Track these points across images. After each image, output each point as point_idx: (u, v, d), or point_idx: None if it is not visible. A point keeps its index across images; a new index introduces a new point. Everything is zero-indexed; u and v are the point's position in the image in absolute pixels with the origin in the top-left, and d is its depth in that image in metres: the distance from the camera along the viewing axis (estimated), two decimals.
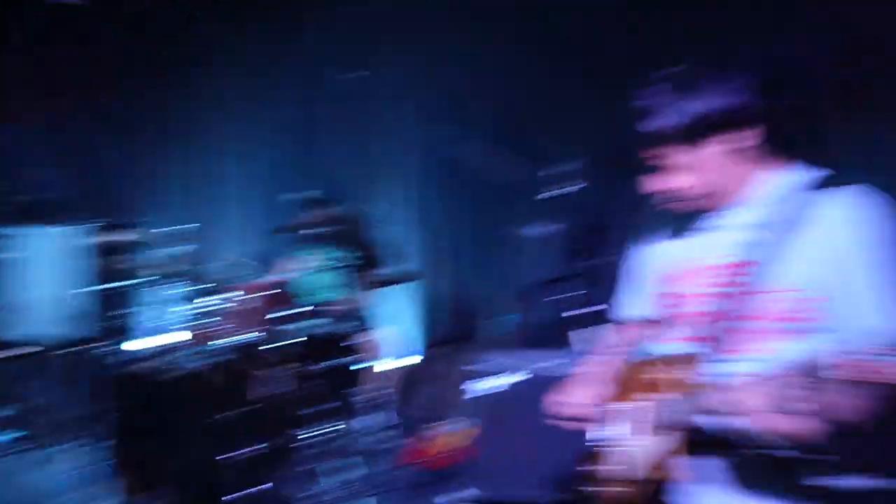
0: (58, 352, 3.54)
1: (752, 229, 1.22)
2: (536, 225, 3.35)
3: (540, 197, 3.05)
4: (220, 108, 4.95)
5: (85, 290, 3.55)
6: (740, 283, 1.21)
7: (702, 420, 1.15)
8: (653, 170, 1.27)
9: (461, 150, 2.91)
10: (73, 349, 3.55)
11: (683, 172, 1.23)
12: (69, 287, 3.58)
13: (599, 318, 2.84)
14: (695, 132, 1.20)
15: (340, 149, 4.60)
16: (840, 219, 1.15)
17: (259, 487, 2.82)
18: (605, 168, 3.91)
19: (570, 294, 3.15)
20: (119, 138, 5.06)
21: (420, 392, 3.96)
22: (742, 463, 1.19)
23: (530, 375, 2.59)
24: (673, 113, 1.20)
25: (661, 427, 1.21)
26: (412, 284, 4.36)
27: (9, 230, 3.71)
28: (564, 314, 3.16)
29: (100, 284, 3.44)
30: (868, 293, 1.12)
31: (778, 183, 1.24)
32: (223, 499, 2.81)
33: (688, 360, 1.20)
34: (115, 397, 2.90)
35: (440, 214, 4.40)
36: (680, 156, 1.22)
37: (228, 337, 2.93)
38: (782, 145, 1.27)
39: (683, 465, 1.19)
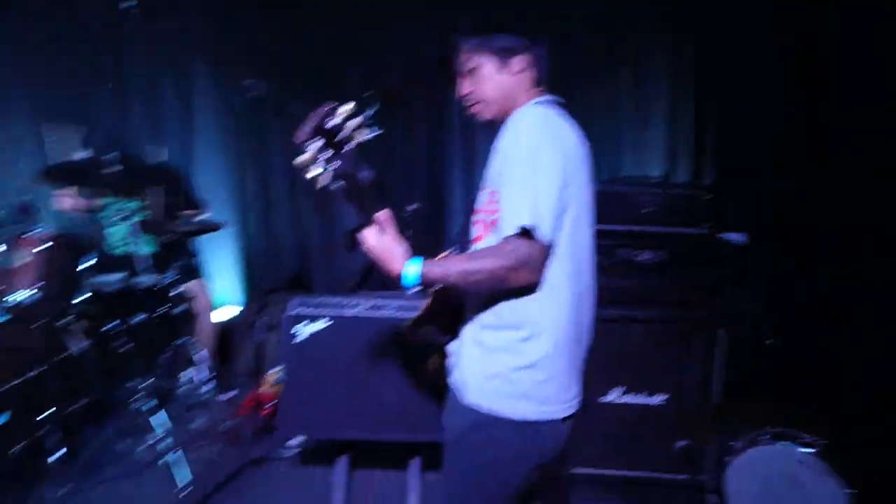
0: None
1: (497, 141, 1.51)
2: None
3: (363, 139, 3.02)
4: None
5: None
6: (480, 186, 1.55)
7: None
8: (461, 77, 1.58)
9: (263, 93, 2.80)
10: None
11: (472, 81, 1.56)
12: None
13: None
14: (482, 48, 1.54)
15: (134, 97, 4.18)
16: (509, 128, 1.45)
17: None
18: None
19: None
20: None
21: (245, 342, 3.88)
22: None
23: (343, 318, 2.64)
24: (476, 33, 1.55)
25: None
26: (226, 233, 4.19)
27: None
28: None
29: None
30: (504, 188, 1.40)
31: (525, 107, 1.52)
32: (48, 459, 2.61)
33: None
34: None
35: (253, 162, 4.22)
36: (470, 64, 1.55)
37: (17, 294, 2.63)
38: (540, 78, 1.59)
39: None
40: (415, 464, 2.72)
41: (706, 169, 3.89)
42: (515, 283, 1.36)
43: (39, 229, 2.74)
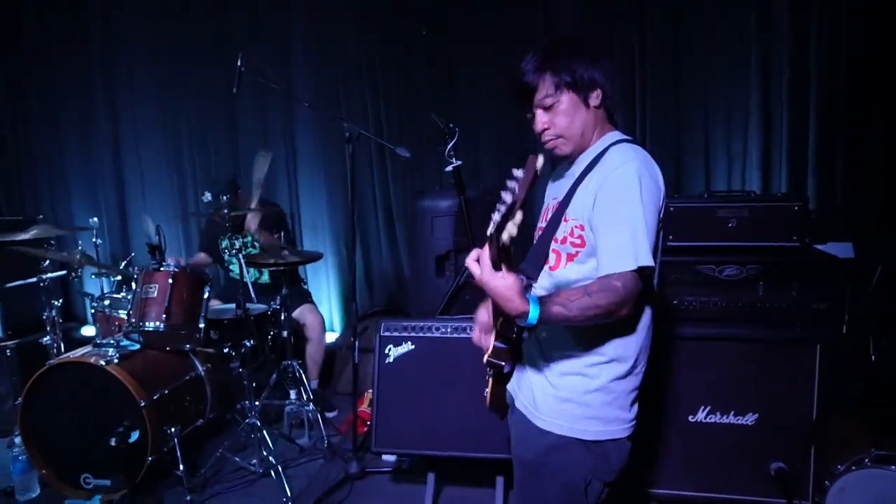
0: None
1: (573, 175, 1.57)
2: (441, 196, 3.52)
3: (446, 169, 3.21)
4: (115, 104, 4.90)
5: (7, 285, 3.60)
6: (555, 215, 1.56)
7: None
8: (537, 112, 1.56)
9: (362, 127, 3.03)
10: (9, 343, 3.62)
11: (550, 115, 1.53)
12: None
13: None
14: (560, 83, 1.50)
15: (246, 137, 4.65)
16: (605, 165, 1.49)
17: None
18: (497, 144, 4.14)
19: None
20: (22, 140, 5.03)
21: (345, 364, 4.13)
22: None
23: (430, 339, 2.78)
24: (554, 64, 1.50)
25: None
26: (329, 263, 4.53)
27: None
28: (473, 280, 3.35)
29: (15, 281, 3.47)
30: (608, 226, 1.44)
31: (603, 141, 1.57)
32: (176, 472, 2.95)
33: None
34: (41, 388, 2.96)
35: (348, 192, 4.51)
36: (547, 101, 1.52)
37: (145, 323, 3.01)
38: (611, 113, 1.60)
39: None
40: (500, 482, 2.78)
41: (805, 182, 3.69)
42: (617, 318, 1.42)
43: (167, 265, 3.12)
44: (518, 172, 1.19)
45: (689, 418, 2.54)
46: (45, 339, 3.33)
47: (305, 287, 4.18)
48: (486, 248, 1.28)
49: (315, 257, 3.60)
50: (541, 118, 1.55)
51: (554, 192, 1.67)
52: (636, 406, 1.59)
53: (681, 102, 3.93)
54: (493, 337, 1.55)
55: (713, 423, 2.52)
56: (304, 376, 3.60)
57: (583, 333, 1.51)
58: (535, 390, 1.59)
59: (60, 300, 3.42)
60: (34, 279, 3.32)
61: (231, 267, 3.99)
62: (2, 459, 3.28)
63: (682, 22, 3.86)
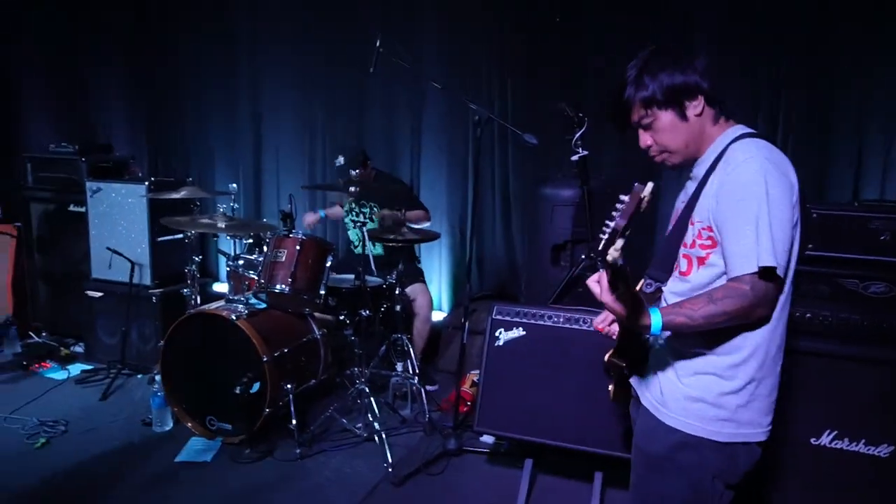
0: (142, 293, 4.04)
1: (697, 177, 1.53)
2: (563, 185, 3.48)
3: (572, 158, 3.17)
4: (256, 83, 5.23)
5: (157, 239, 4.01)
6: (681, 219, 1.53)
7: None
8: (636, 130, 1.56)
9: (489, 114, 3.05)
10: (154, 290, 4.04)
11: (651, 133, 1.53)
12: (143, 236, 4.06)
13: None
14: (651, 103, 1.49)
15: (374, 114, 4.81)
16: (729, 164, 1.43)
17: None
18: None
19: (594, 254, 3.27)
20: (177, 109, 5.53)
21: (451, 343, 4.22)
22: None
23: (541, 326, 2.78)
24: (641, 85, 1.49)
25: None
26: (443, 243, 4.62)
27: (94, 185, 4.19)
28: (589, 273, 3.30)
29: (166, 236, 3.84)
30: (736, 227, 1.38)
31: (722, 139, 1.51)
32: (279, 425, 3.19)
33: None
34: (179, 335, 3.27)
35: (469, 175, 4.55)
36: (645, 122, 1.51)
37: (273, 285, 3.23)
38: (721, 111, 1.54)
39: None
40: (598, 477, 2.73)
41: None
42: (752, 320, 1.40)
43: (296, 232, 3.33)
44: (624, 198, 1.20)
45: (812, 441, 2.37)
46: (185, 290, 3.67)
47: (419, 266, 4.30)
48: (604, 270, 1.29)
49: (432, 237, 3.69)
50: (643, 137, 1.55)
51: (682, 196, 1.63)
52: (773, 411, 1.53)
53: (829, 103, 3.62)
54: (615, 335, 1.55)
55: (839, 450, 2.33)
56: (412, 349, 3.71)
57: (713, 333, 1.46)
58: (663, 387, 1.57)
59: (200, 257, 3.75)
60: (180, 235, 3.66)
61: (350, 235, 4.19)
62: (143, 393, 3.67)
63: (831, 10, 3.54)
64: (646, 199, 1.19)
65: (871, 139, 3.57)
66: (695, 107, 1.48)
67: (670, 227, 1.59)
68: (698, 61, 1.49)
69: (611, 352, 1.62)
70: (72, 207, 4.50)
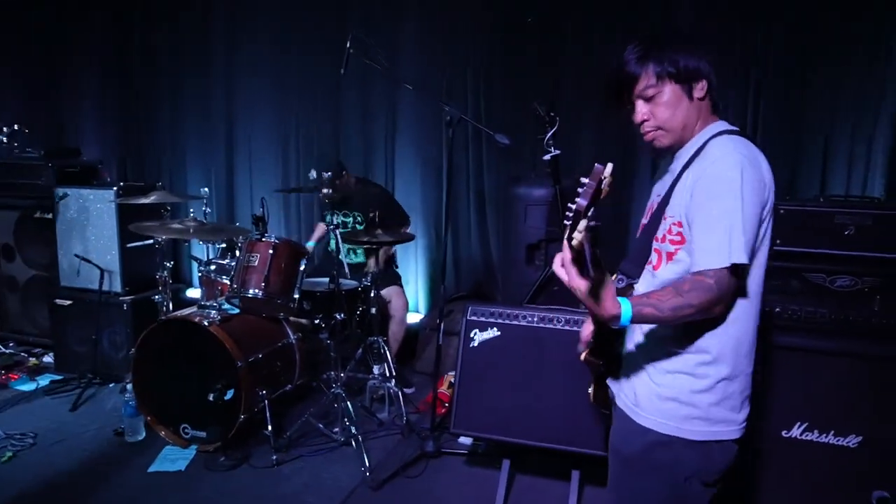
0: (111, 300, 3.97)
1: (674, 171, 1.53)
2: (536, 185, 3.49)
3: (544, 158, 3.19)
4: (231, 86, 5.18)
5: (127, 245, 3.93)
6: (655, 214, 1.53)
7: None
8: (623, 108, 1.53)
9: (461, 115, 3.06)
10: (124, 297, 3.96)
11: (651, 106, 1.49)
12: (114, 242, 3.99)
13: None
14: (663, 73, 1.46)
15: (350, 115, 4.79)
16: (706, 160, 1.44)
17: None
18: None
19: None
20: (149, 109, 5.44)
21: (428, 345, 4.21)
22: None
23: (516, 327, 2.79)
24: (656, 56, 1.46)
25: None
26: (419, 245, 4.61)
27: (62, 191, 4.10)
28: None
29: (136, 242, 3.77)
30: (705, 222, 1.39)
31: (703, 134, 1.51)
32: (253, 431, 3.16)
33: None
34: (151, 342, 3.21)
35: (443, 175, 4.55)
36: (649, 91, 1.48)
37: (246, 290, 3.19)
38: (716, 103, 1.54)
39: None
40: (575, 475, 2.75)
41: None
42: (714, 314, 1.40)
43: (268, 236, 3.29)
44: (585, 180, 1.18)
45: (783, 433, 2.40)
46: (156, 296, 3.61)
47: (396, 269, 4.28)
48: (566, 252, 1.26)
49: (407, 238, 3.68)
50: (641, 109, 1.50)
51: (658, 189, 1.63)
52: (747, 408, 1.54)
53: (798, 101, 3.69)
54: (590, 335, 1.54)
55: (810, 442, 2.37)
56: (388, 352, 3.70)
57: (684, 332, 1.47)
58: (636, 388, 1.57)
59: (172, 262, 3.69)
60: (151, 241, 3.59)
61: (330, 241, 4.17)
62: (115, 403, 3.60)
63: (808, 11, 3.61)
64: (606, 179, 1.18)
65: (838, 137, 3.65)
66: (700, 89, 1.48)
67: (646, 221, 1.59)
68: (709, 52, 1.49)
69: (587, 351, 1.62)
70: (38, 214, 4.39)
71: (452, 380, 3.47)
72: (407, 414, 3.49)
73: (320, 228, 4.35)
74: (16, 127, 3.74)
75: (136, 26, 5.38)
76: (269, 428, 3.11)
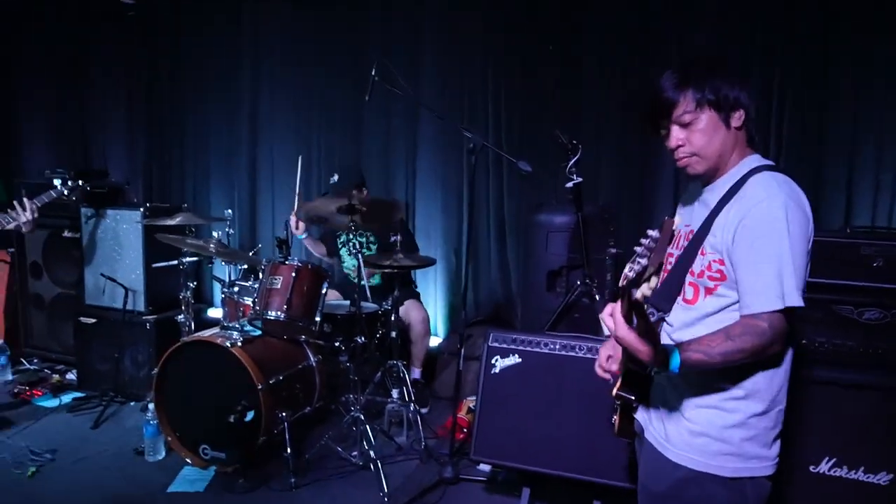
0: (135, 320, 4.02)
1: (708, 203, 1.51)
2: (558, 211, 3.50)
3: (566, 185, 3.20)
4: (256, 111, 5.27)
5: (152, 265, 3.99)
6: (690, 247, 1.50)
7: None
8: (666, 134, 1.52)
9: (483, 141, 3.09)
10: (148, 317, 4.01)
11: (687, 132, 1.48)
12: (139, 262, 4.05)
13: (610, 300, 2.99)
14: (703, 100, 1.45)
15: (371, 139, 4.85)
16: (746, 198, 1.42)
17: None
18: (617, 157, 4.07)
19: (589, 280, 3.28)
20: (174, 134, 5.56)
21: (447, 369, 4.20)
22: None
23: (537, 354, 2.78)
24: (697, 81, 1.45)
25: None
26: (438, 269, 4.62)
27: (89, 211, 4.19)
28: (584, 299, 3.32)
29: (160, 262, 3.83)
30: (754, 262, 1.37)
31: (741, 167, 1.50)
32: (273, 453, 3.16)
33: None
34: (172, 362, 3.23)
35: (464, 200, 4.58)
36: (686, 118, 1.46)
37: (268, 312, 3.22)
38: (752, 135, 1.54)
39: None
40: None
41: None
42: (767, 356, 1.39)
43: (291, 259, 3.33)
44: (654, 233, 1.17)
45: (811, 469, 2.36)
46: (179, 316, 3.66)
47: (416, 290, 4.30)
48: (619, 302, 1.26)
49: (428, 262, 3.69)
50: (676, 134, 1.49)
51: (686, 218, 1.61)
52: (778, 444, 1.51)
53: (821, 127, 3.67)
54: (621, 369, 1.52)
55: (839, 478, 2.32)
56: (407, 375, 3.69)
57: (720, 368, 1.44)
58: (666, 422, 1.55)
59: (195, 283, 3.74)
60: (175, 262, 3.65)
61: (344, 262, 4.18)
62: (136, 421, 3.63)
63: (830, 39, 3.61)
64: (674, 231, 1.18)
65: (862, 164, 3.62)
66: (738, 119, 1.47)
67: (678, 253, 1.55)
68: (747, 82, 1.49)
69: (618, 385, 1.57)
70: (66, 233, 4.48)
71: (472, 405, 3.46)
72: (425, 439, 3.48)
73: (319, 246, 4.31)
74: (80, 183, 3.85)
75: (162, 50, 5.52)
76: (289, 451, 3.11)
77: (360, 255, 3.33)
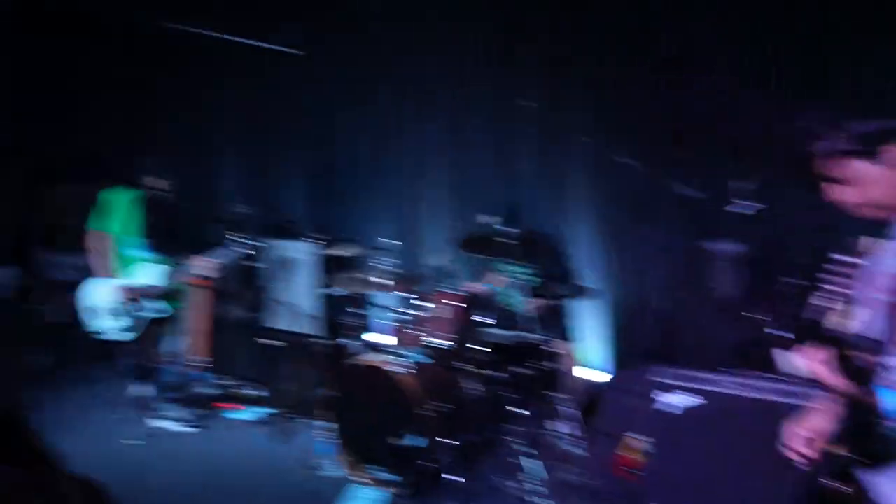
0: (307, 342, 4.37)
1: None
2: (730, 241, 3.29)
3: (730, 210, 3.02)
4: (407, 135, 5.52)
5: (322, 293, 4.33)
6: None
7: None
8: (830, 181, 1.42)
9: (644, 164, 2.99)
10: (317, 341, 4.35)
11: (857, 184, 1.38)
12: (310, 290, 4.41)
13: (799, 338, 2.74)
14: (871, 146, 1.35)
15: (523, 168, 4.87)
16: None
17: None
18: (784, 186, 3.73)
19: (766, 313, 3.03)
20: (344, 168, 5.99)
21: (608, 405, 4.05)
22: None
23: (710, 392, 2.60)
24: (851, 129, 1.37)
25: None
26: (599, 301, 4.49)
27: (265, 242, 4.65)
28: (761, 334, 3.07)
29: (331, 290, 4.14)
30: None
31: None
32: (441, 480, 3.24)
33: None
34: (344, 385, 3.46)
35: (626, 231, 4.44)
36: (853, 168, 1.37)
37: (434, 339, 3.34)
38: None
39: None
40: None
41: None
42: None
43: (456, 288, 3.43)
44: (847, 258, 1.08)
45: None
46: (348, 341, 3.90)
47: (572, 323, 4.22)
48: (823, 345, 1.14)
49: (589, 293, 3.62)
50: (832, 191, 1.42)
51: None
52: None
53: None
54: (830, 423, 1.36)
55: None
56: (569, 409, 3.62)
57: None
58: None
59: (362, 310, 3.98)
60: (345, 290, 3.92)
61: (505, 293, 4.21)
62: (310, 439, 3.90)
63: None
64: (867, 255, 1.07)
65: None
66: (892, 154, 1.35)
67: (887, 300, 1.35)
68: None
69: (822, 439, 1.41)
70: (253, 263, 4.99)
71: (636, 444, 3.30)
72: (588, 476, 3.36)
73: (489, 277, 4.37)
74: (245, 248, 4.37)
75: (330, 113, 5.99)
76: (452, 479, 3.17)
77: (522, 286, 3.34)
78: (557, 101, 4.42)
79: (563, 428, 3.58)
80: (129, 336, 4.13)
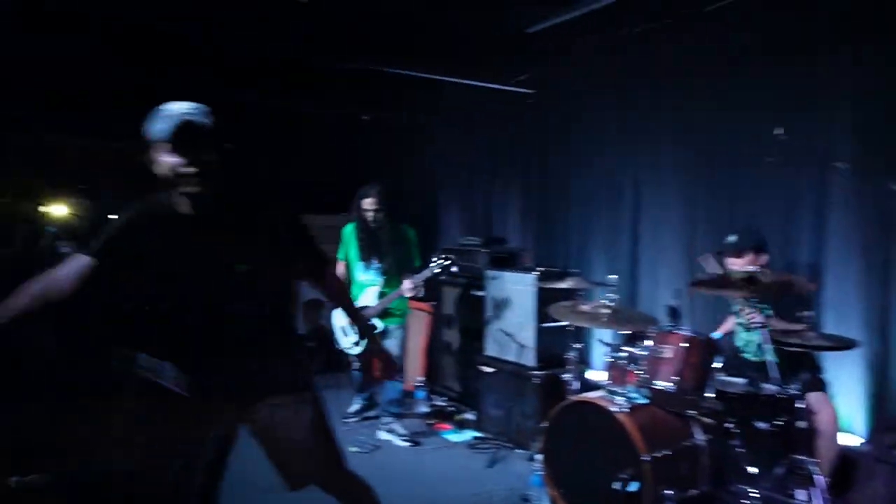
0: (525, 373, 4.42)
1: None
2: None
3: None
4: (636, 178, 5.32)
5: (542, 325, 4.34)
6: None
7: None
8: None
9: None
10: (535, 373, 4.37)
11: None
12: (531, 322, 4.45)
13: None
14: None
15: (756, 196, 4.40)
16: None
17: None
18: None
19: None
20: (561, 203, 6.01)
21: (872, 478, 3.44)
22: None
23: None
24: None
25: None
26: (856, 352, 3.85)
27: (492, 273, 4.82)
28: None
29: (550, 322, 4.12)
30: None
31: None
32: None
33: None
34: (559, 419, 3.41)
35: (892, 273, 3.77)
36: None
37: (655, 381, 3.15)
38: None
39: None
40: None
41: None
42: None
43: (683, 329, 3.21)
44: None
45: None
46: (565, 375, 3.84)
47: (823, 377, 3.68)
48: None
49: (847, 345, 3.14)
50: None
51: None
52: None
53: None
54: None
55: None
56: (817, 477, 3.14)
57: None
58: None
59: (581, 344, 3.90)
60: (564, 323, 3.87)
61: (739, 335, 3.83)
62: (524, 469, 3.90)
63: None
64: None
65: None
66: None
67: None
68: None
69: None
70: (473, 292, 5.20)
71: None
72: None
73: (730, 321, 4.04)
74: (448, 263, 4.57)
75: (552, 131, 6.06)
76: None
77: (762, 330, 3.01)
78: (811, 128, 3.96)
79: (802, 496, 3.10)
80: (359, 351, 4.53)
